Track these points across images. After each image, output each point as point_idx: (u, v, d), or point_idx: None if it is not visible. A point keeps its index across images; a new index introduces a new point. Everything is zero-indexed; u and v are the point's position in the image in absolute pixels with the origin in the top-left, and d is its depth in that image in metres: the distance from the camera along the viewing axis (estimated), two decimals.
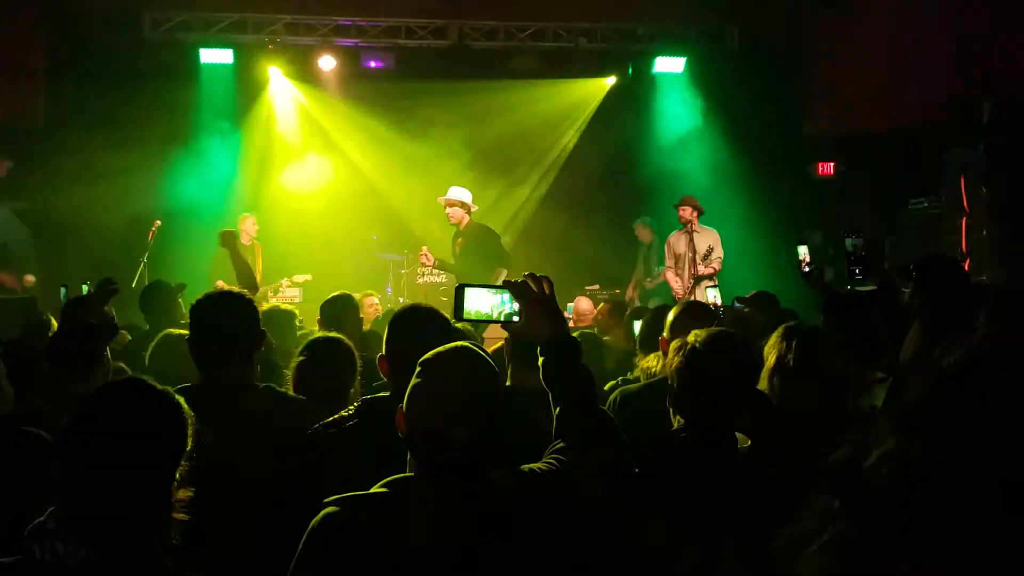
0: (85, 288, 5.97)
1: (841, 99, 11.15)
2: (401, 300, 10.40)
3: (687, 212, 9.30)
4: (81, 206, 9.75)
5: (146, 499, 1.83)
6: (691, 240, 9.24)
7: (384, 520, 1.90)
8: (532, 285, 2.14)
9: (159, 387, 1.95)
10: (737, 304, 5.33)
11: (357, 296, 5.75)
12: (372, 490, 1.95)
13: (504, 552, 1.94)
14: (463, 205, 8.16)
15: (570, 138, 11.73)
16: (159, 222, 9.42)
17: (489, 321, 2.21)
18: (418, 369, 2.02)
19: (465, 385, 1.94)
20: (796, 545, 1.31)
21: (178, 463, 1.88)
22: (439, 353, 2.00)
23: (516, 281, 2.15)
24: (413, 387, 2.00)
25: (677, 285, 9.28)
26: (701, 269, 9.12)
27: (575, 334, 4.09)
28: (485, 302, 2.17)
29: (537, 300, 2.16)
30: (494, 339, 4.62)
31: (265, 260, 10.19)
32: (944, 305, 3.74)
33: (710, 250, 9.21)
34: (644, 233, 10.64)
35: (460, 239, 8.15)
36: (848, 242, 4.09)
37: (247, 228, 9.84)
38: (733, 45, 11.42)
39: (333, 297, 5.19)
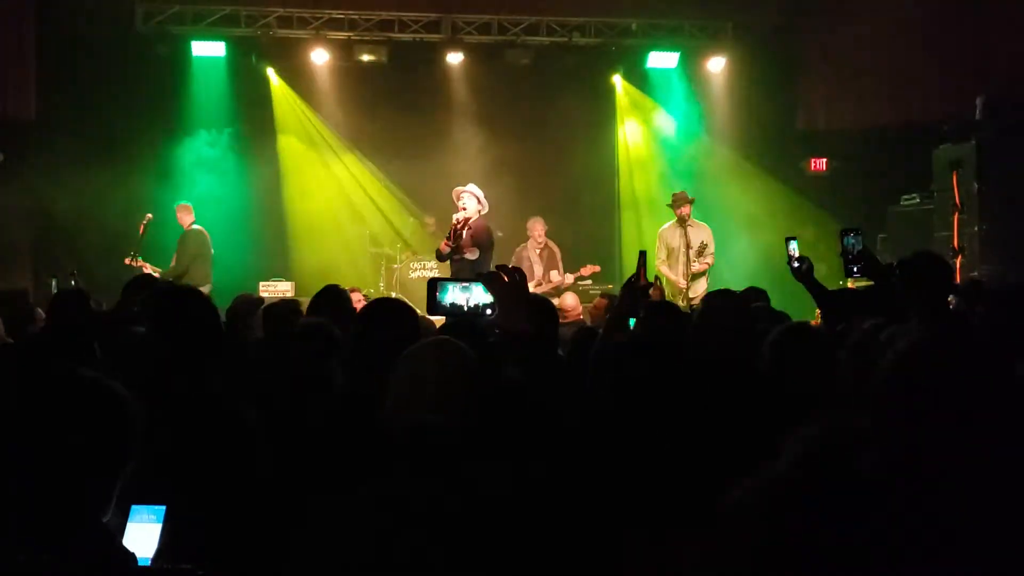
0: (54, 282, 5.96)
1: (834, 95, 11.16)
2: (394, 295, 10.41)
3: (687, 209, 9.22)
4: (73, 199, 9.72)
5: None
6: (685, 234, 9.17)
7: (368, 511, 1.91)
8: (504, 277, 2.15)
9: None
10: None
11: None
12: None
13: (488, 541, 1.94)
14: (479, 201, 8.17)
15: (564, 135, 11.68)
16: (150, 215, 9.41)
17: (463, 314, 2.21)
18: (399, 363, 2.03)
19: (443, 374, 1.96)
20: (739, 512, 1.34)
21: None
22: (418, 346, 2.01)
23: (489, 273, 2.16)
24: (393, 379, 2.01)
25: (675, 278, 9.18)
26: (696, 266, 9.08)
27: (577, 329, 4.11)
28: (459, 295, 2.17)
29: (510, 292, 2.16)
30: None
31: (255, 256, 10.23)
32: (933, 300, 3.75)
33: (703, 245, 9.15)
34: (538, 230, 9.98)
35: (469, 231, 8.12)
36: (847, 240, 4.07)
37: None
38: (726, 41, 11.42)
39: (322, 290, 5.16)
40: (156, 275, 9.08)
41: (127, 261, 9.05)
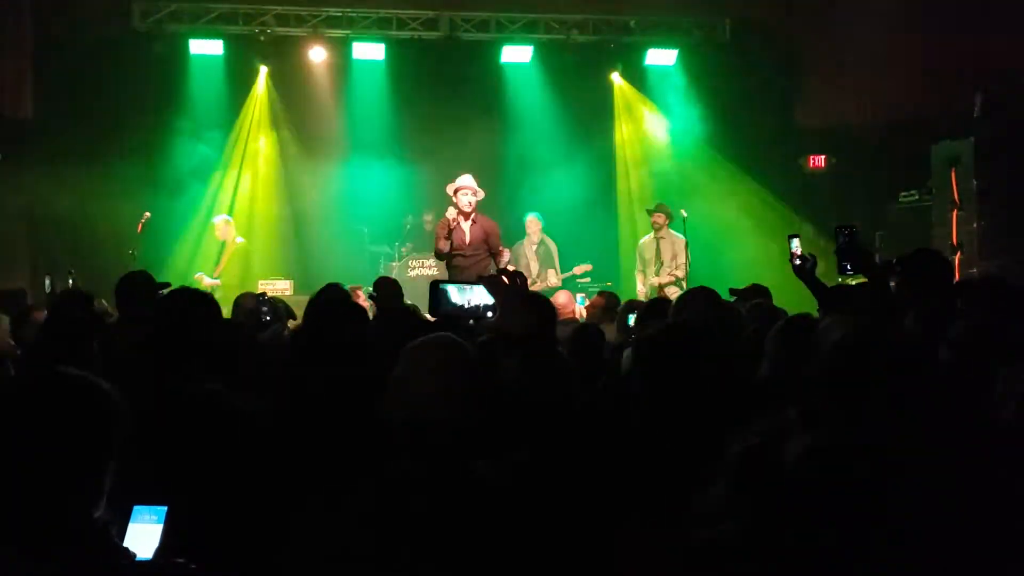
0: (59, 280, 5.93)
1: (832, 92, 11.16)
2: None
3: (660, 219, 9.40)
4: (70, 197, 9.69)
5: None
6: (658, 247, 9.39)
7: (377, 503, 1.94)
8: (505, 280, 2.16)
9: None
10: (733, 296, 5.33)
11: (347, 288, 5.72)
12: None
13: (482, 536, 1.95)
14: (475, 193, 8.18)
15: (562, 132, 11.67)
16: (148, 214, 9.39)
17: (464, 315, 2.22)
18: (399, 359, 2.05)
19: (444, 370, 1.97)
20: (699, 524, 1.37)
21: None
22: (420, 341, 2.03)
23: (490, 276, 2.17)
24: (395, 375, 2.02)
25: (640, 290, 9.39)
26: (664, 277, 9.26)
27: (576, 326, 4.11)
28: (460, 297, 2.18)
29: (511, 295, 2.17)
30: None
31: (254, 254, 10.21)
32: (931, 297, 3.75)
33: (673, 257, 9.31)
34: (533, 228, 10.07)
35: (473, 225, 8.11)
36: (842, 237, 4.08)
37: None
38: (725, 38, 11.43)
39: (323, 288, 5.15)
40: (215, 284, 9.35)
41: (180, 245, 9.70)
